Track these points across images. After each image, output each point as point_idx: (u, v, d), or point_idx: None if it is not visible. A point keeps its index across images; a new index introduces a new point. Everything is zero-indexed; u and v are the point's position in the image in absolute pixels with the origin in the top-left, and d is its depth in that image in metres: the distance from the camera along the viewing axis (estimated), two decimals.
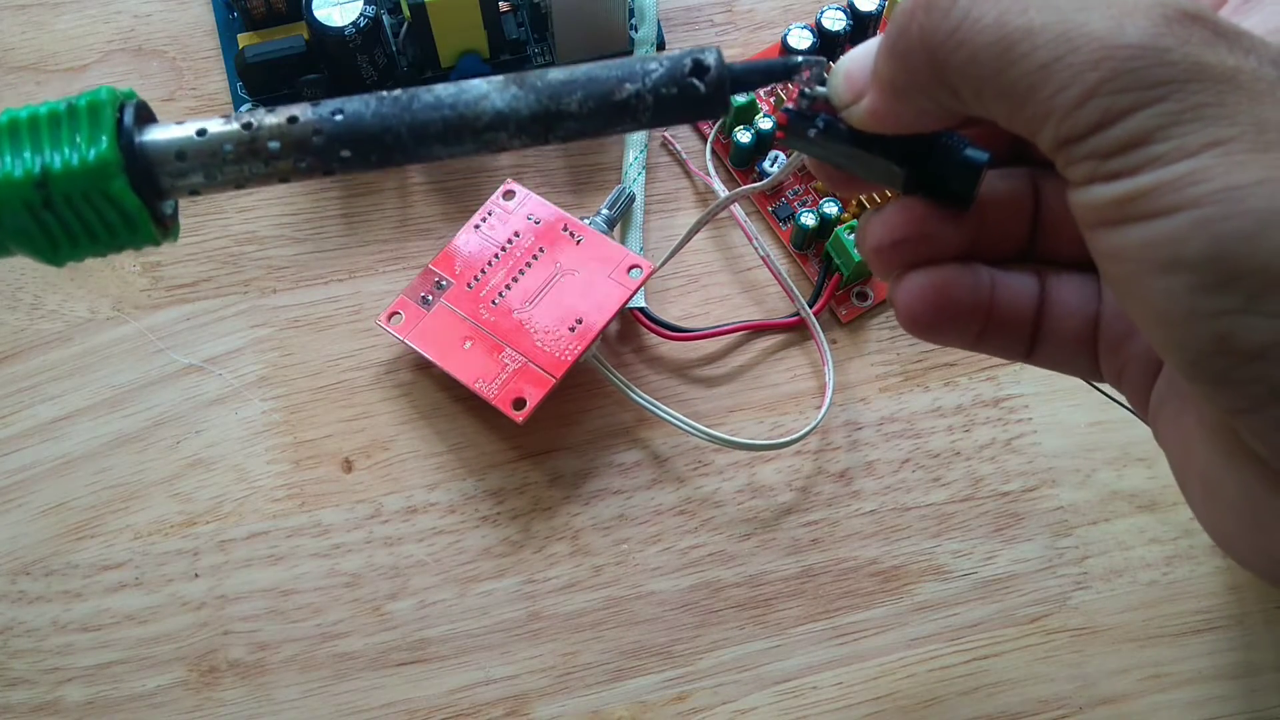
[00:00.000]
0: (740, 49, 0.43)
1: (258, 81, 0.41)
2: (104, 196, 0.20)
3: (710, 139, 0.41)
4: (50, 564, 0.36)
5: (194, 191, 0.21)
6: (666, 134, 0.41)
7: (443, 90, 0.21)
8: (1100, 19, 0.17)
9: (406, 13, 0.39)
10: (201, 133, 0.21)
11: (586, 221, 0.38)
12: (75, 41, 0.43)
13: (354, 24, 0.38)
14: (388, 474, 0.37)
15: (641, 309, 0.38)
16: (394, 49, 0.41)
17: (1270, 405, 0.17)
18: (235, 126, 0.21)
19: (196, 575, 0.36)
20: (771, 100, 0.41)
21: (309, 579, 0.36)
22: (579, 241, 0.38)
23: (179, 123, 0.21)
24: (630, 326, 0.39)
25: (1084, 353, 0.23)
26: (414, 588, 0.36)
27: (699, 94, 0.20)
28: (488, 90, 0.21)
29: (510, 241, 0.38)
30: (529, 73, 0.21)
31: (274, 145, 0.21)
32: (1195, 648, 0.36)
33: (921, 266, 0.22)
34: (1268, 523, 0.19)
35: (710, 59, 0.20)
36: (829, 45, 0.41)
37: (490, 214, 0.38)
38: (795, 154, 0.29)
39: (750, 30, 0.43)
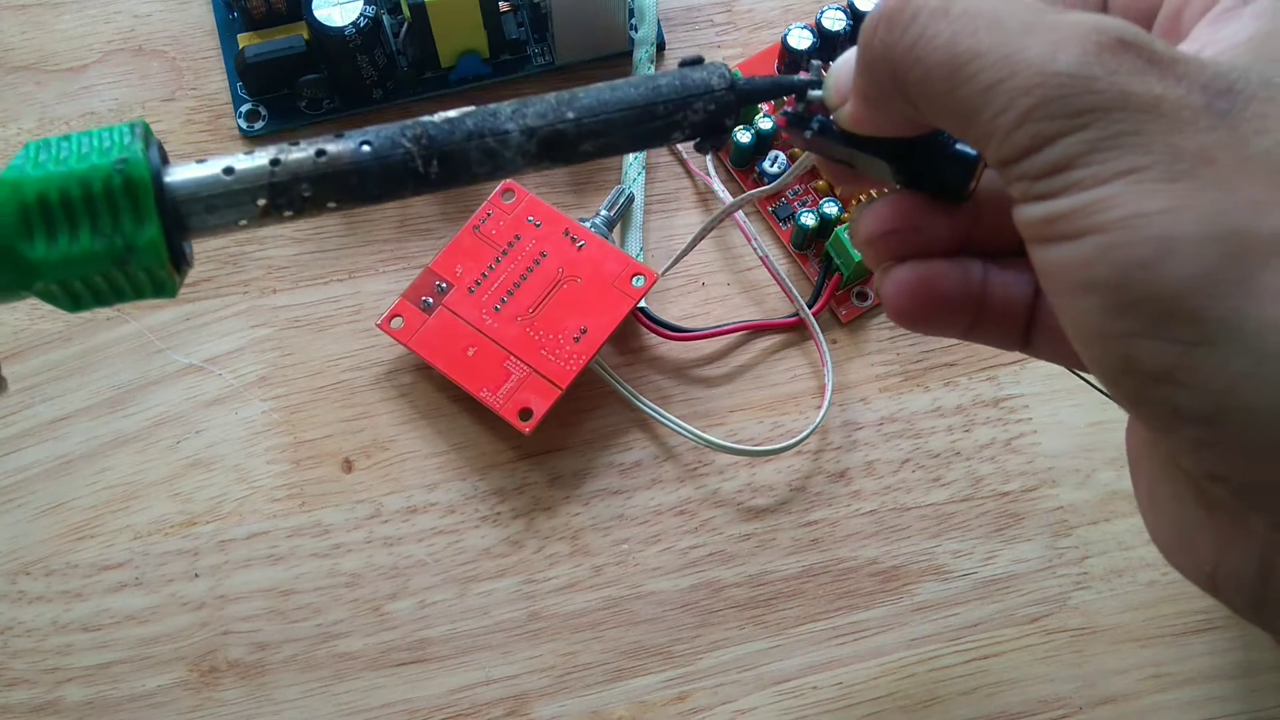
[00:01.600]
0: (740, 49, 0.43)
1: (258, 81, 0.41)
2: (146, 273, 0.20)
3: None
4: (50, 564, 0.36)
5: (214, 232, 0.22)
6: None
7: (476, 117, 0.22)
8: (1037, 45, 0.18)
9: (406, 13, 0.39)
10: (232, 182, 0.21)
11: (586, 223, 0.38)
12: (75, 41, 0.43)
13: (354, 24, 0.38)
14: (388, 474, 0.37)
15: (642, 309, 0.38)
16: (394, 49, 0.41)
17: (1177, 427, 0.18)
18: (263, 170, 0.21)
19: (196, 575, 0.36)
20: (771, 101, 0.41)
21: (309, 579, 0.36)
22: (580, 247, 0.38)
23: (200, 163, 0.21)
24: (631, 326, 0.39)
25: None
26: (414, 588, 0.36)
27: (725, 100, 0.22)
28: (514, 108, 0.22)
29: (511, 244, 0.38)
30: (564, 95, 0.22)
31: (305, 191, 0.21)
32: (1195, 648, 0.36)
33: (911, 259, 0.23)
34: (1193, 534, 0.20)
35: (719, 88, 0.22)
36: (829, 45, 0.41)
37: (489, 215, 0.38)
38: (800, 160, 0.30)
39: (750, 30, 0.43)
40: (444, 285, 0.38)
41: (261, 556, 0.36)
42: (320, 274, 0.40)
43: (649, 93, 0.22)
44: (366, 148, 0.21)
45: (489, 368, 0.36)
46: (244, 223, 0.21)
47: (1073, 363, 0.24)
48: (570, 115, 0.22)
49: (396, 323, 0.37)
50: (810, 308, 0.39)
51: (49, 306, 0.39)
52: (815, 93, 0.23)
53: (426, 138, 0.21)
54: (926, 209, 0.23)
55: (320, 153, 0.21)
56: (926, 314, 0.23)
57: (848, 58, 0.22)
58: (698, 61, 0.23)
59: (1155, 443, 0.20)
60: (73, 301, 0.21)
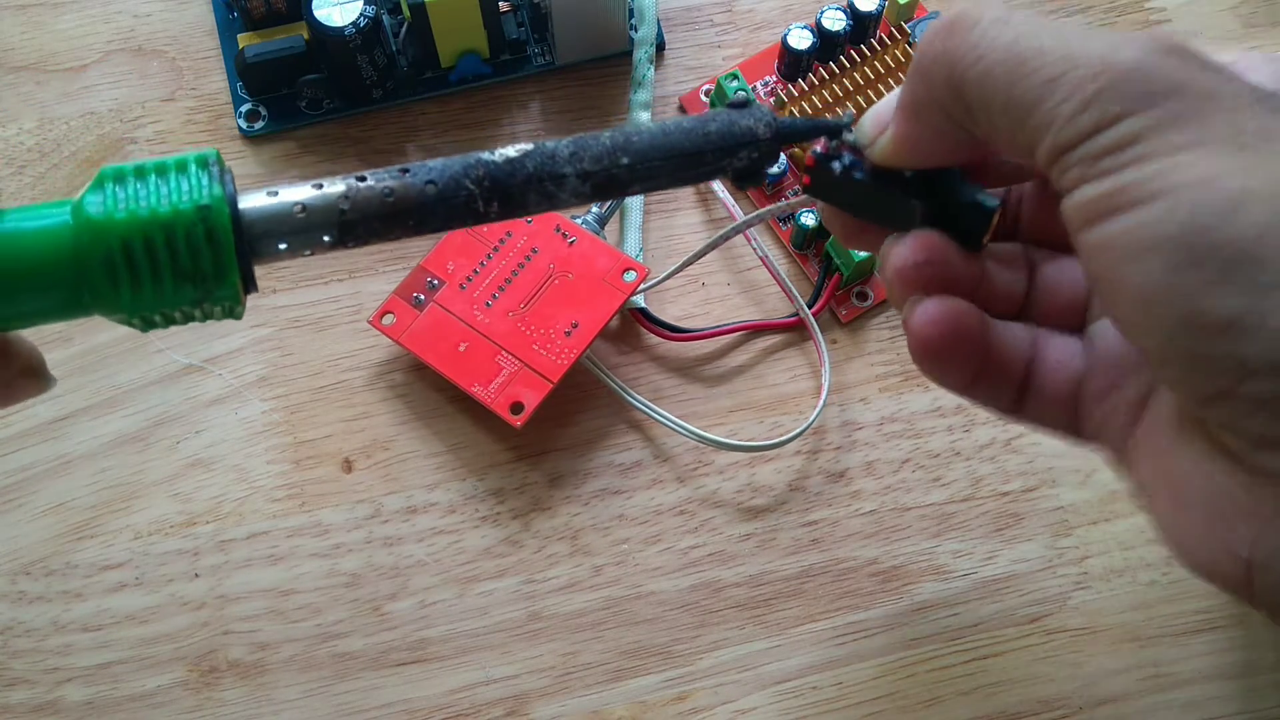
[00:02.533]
0: (740, 49, 0.43)
1: (258, 81, 0.41)
2: (221, 307, 0.22)
3: None
4: (50, 564, 0.36)
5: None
6: None
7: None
8: (1100, 43, 0.19)
9: (406, 13, 0.39)
10: (305, 219, 0.21)
11: (578, 220, 0.38)
12: (75, 41, 0.43)
13: (354, 24, 0.38)
14: (388, 474, 0.37)
15: (641, 309, 0.38)
16: (394, 49, 0.41)
17: (1239, 383, 0.18)
18: (335, 209, 0.22)
19: (196, 575, 0.36)
20: (771, 101, 0.41)
21: (309, 579, 0.36)
22: (572, 242, 0.38)
23: (271, 195, 0.22)
24: (630, 326, 0.39)
25: (1066, 408, 0.25)
26: (414, 588, 0.36)
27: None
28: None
29: (502, 241, 0.38)
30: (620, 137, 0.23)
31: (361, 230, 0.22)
32: (1195, 648, 0.36)
33: (937, 294, 0.24)
34: (1230, 515, 0.20)
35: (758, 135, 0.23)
36: (829, 45, 0.41)
37: None
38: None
39: (750, 30, 0.43)
40: (435, 282, 0.38)
41: (261, 556, 0.36)
42: (320, 274, 0.40)
43: (699, 140, 0.23)
44: (432, 188, 0.22)
45: (481, 363, 0.36)
46: (308, 253, 0.22)
47: (1054, 426, 0.25)
48: (624, 161, 0.23)
49: (388, 319, 0.37)
50: (810, 308, 0.39)
51: None
52: (848, 135, 0.24)
53: (489, 179, 0.22)
54: (952, 247, 0.24)
55: (389, 192, 0.22)
56: (952, 349, 0.24)
57: (886, 99, 0.23)
58: (745, 105, 0.24)
59: (1192, 431, 0.21)
60: (146, 326, 0.22)
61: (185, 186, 0.20)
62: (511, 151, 0.22)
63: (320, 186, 0.22)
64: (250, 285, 0.22)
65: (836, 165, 0.24)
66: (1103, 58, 0.19)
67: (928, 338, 0.24)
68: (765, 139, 0.23)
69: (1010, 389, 0.25)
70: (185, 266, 0.20)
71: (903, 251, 0.24)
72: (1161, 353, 0.19)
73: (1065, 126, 0.19)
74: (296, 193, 0.22)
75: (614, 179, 0.23)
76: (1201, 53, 0.19)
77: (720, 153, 0.23)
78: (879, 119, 0.23)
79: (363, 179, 0.22)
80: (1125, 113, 0.19)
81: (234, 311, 0.22)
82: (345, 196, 0.21)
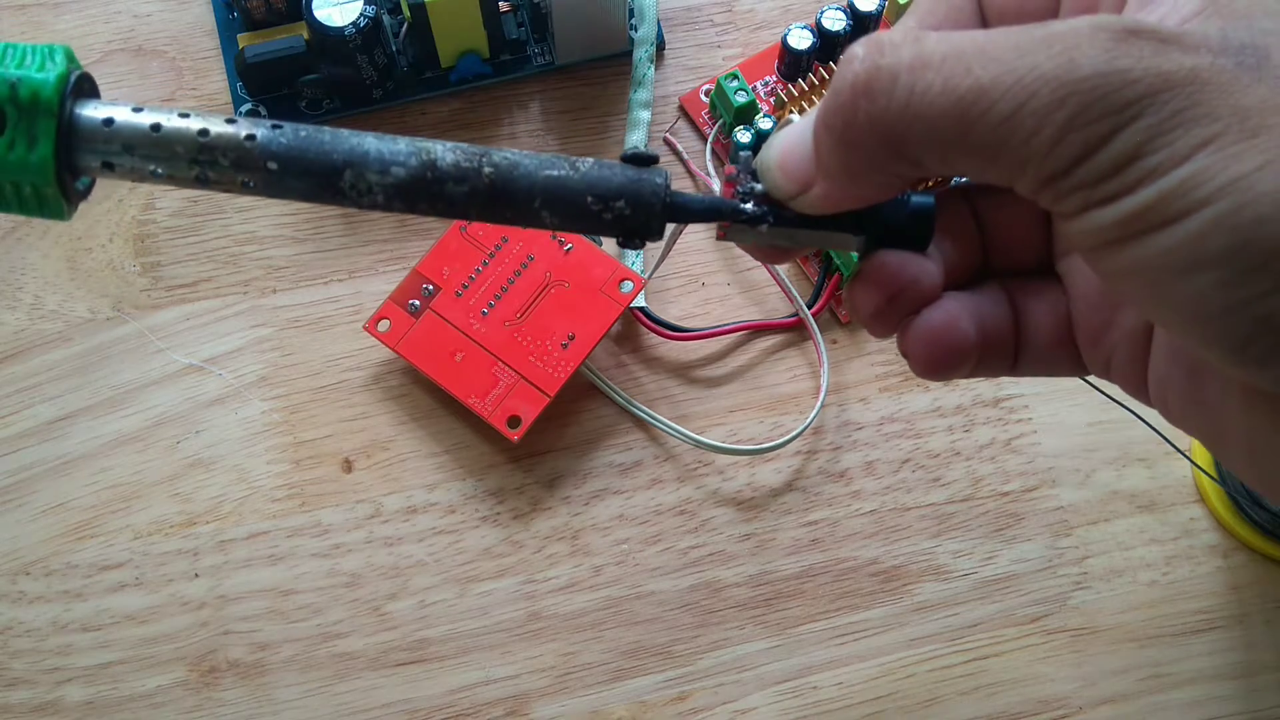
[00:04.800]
0: (740, 49, 0.43)
1: (258, 81, 0.41)
2: (34, 191, 0.21)
3: (710, 139, 0.41)
4: (50, 564, 0.36)
5: (110, 173, 0.21)
6: (668, 134, 0.41)
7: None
8: (1048, 59, 0.17)
9: (406, 13, 0.39)
10: (156, 128, 0.21)
11: None
12: (75, 41, 0.43)
13: (354, 24, 0.38)
14: (388, 474, 0.37)
15: (642, 309, 0.38)
16: (394, 49, 0.41)
17: None
18: (191, 129, 0.21)
19: (196, 575, 0.36)
20: (771, 101, 0.41)
21: (309, 579, 0.36)
22: (568, 250, 0.38)
23: (135, 110, 0.21)
24: (630, 326, 0.39)
25: (1064, 353, 0.24)
26: (414, 588, 0.36)
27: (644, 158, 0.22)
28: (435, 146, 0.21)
29: (498, 247, 0.38)
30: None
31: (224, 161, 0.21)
32: (1195, 648, 0.36)
33: (917, 312, 0.23)
34: None
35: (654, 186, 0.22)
36: (829, 45, 0.41)
37: None
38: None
39: (750, 30, 0.43)
40: (431, 288, 0.37)
41: (261, 556, 0.36)
42: (320, 274, 0.40)
43: (585, 177, 0.21)
44: (282, 144, 0.21)
45: (477, 374, 0.36)
46: (154, 172, 0.21)
47: (1060, 372, 0.24)
48: (487, 169, 0.21)
49: (383, 325, 0.37)
50: (810, 308, 0.39)
51: (49, 306, 0.39)
52: (757, 186, 0.22)
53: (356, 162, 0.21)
54: (908, 260, 0.23)
55: (250, 138, 0.21)
56: (951, 361, 0.23)
57: (786, 144, 0.21)
58: (654, 161, 0.22)
59: (1262, 397, 0.20)
60: None
61: (30, 60, 0.20)
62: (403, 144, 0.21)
63: (187, 115, 0.21)
64: (75, 179, 0.21)
65: (764, 227, 0.22)
66: (1059, 78, 0.17)
67: (930, 359, 0.23)
68: (656, 211, 0.21)
69: (1006, 354, 0.24)
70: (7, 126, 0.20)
71: (869, 296, 0.22)
72: (1232, 358, 0.18)
73: (1047, 160, 0.18)
74: (158, 115, 0.21)
75: (440, 184, 0.21)
76: (1156, 28, 0.17)
77: (598, 198, 0.21)
78: (793, 176, 0.21)
79: (233, 121, 0.21)
80: (1113, 130, 0.17)
81: (46, 200, 0.21)
82: (205, 130, 0.21)
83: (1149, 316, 0.19)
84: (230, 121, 0.21)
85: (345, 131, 0.21)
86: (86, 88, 0.21)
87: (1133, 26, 0.17)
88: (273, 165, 0.21)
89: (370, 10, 0.38)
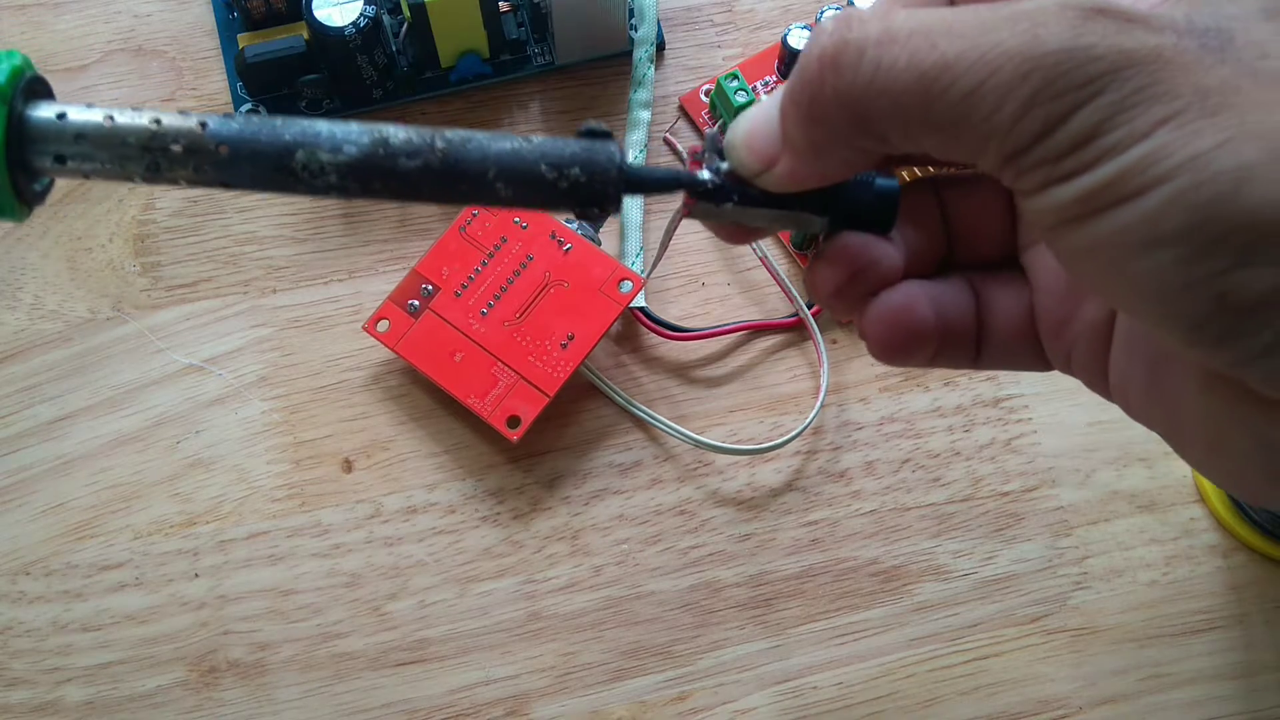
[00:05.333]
0: (740, 49, 0.43)
1: (258, 81, 0.41)
2: None
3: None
4: (50, 564, 0.36)
5: (63, 170, 0.21)
6: (668, 134, 0.41)
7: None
8: (1012, 36, 0.17)
9: (406, 13, 0.39)
10: (109, 118, 0.21)
11: (572, 225, 0.38)
12: (75, 41, 0.43)
13: (354, 24, 0.38)
14: (388, 474, 0.37)
15: (641, 309, 0.38)
16: (394, 49, 0.41)
17: (1277, 349, 0.17)
18: (143, 122, 0.21)
19: (196, 575, 0.36)
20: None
21: (309, 579, 0.36)
22: (567, 250, 0.38)
23: (87, 107, 0.21)
24: (630, 326, 0.39)
25: (1027, 346, 0.24)
26: (414, 588, 0.36)
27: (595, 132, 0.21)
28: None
29: (498, 247, 0.38)
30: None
31: (175, 149, 0.21)
32: (1195, 648, 0.36)
33: (876, 294, 0.23)
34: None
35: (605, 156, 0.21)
36: None
37: (475, 215, 0.38)
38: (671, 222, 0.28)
39: (750, 30, 0.43)
40: (430, 288, 0.37)
41: (261, 556, 0.36)
42: (320, 274, 0.40)
43: (538, 150, 0.21)
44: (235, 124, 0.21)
45: (476, 374, 0.36)
46: (104, 166, 0.21)
47: (1022, 365, 0.24)
48: (439, 145, 0.21)
49: (383, 325, 0.37)
50: (810, 308, 0.39)
51: (49, 306, 0.39)
52: (723, 164, 0.22)
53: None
54: (870, 242, 0.23)
55: (204, 124, 0.21)
56: (912, 339, 0.23)
57: (753, 121, 0.21)
58: (607, 136, 0.22)
59: (1219, 385, 0.20)
60: None
61: None
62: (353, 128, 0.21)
63: (139, 110, 0.21)
64: (28, 179, 0.21)
65: (729, 205, 0.22)
66: (1022, 53, 0.17)
67: (886, 341, 0.23)
68: (613, 177, 0.21)
69: (968, 345, 0.24)
70: None
71: (828, 277, 0.22)
72: (1189, 337, 0.18)
73: (1009, 135, 0.18)
74: (112, 109, 0.21)
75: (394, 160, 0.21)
76: (1121, 7, 0.17)
77: (552, 166, 0.21)
78: (758, 153, 0.21)
79: (186, 114, 0.21)
80: (1074, 106, 0.17)
81: (6, 207, 0.21)
82: (157, 120, 0.21)
83: (1108, 298, 0.19)
84: (184, 114, 0.21)
85: (299, 117, 0.21)
86: (40, 89, 0.21)
87: (1100, 5, 0.18)
88: (224, 150, 0.21)
89: (370, 10, 0.38)
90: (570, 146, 0.21)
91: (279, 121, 0.21)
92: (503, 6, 0.41)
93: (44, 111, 0.21)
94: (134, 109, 0.21)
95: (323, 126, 0.21)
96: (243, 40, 0.40)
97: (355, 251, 0.40)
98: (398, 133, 0.21)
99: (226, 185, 0.21)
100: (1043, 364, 0.24)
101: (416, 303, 0.37)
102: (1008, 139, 0.18)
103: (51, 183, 0.22)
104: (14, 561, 0.36)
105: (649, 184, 0.22)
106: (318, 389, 0.38)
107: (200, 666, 0.35)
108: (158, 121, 0.21)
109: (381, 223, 0.40)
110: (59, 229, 0.40)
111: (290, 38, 0.40)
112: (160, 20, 0.43)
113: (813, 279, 0.23)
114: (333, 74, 0.40)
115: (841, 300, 0.23)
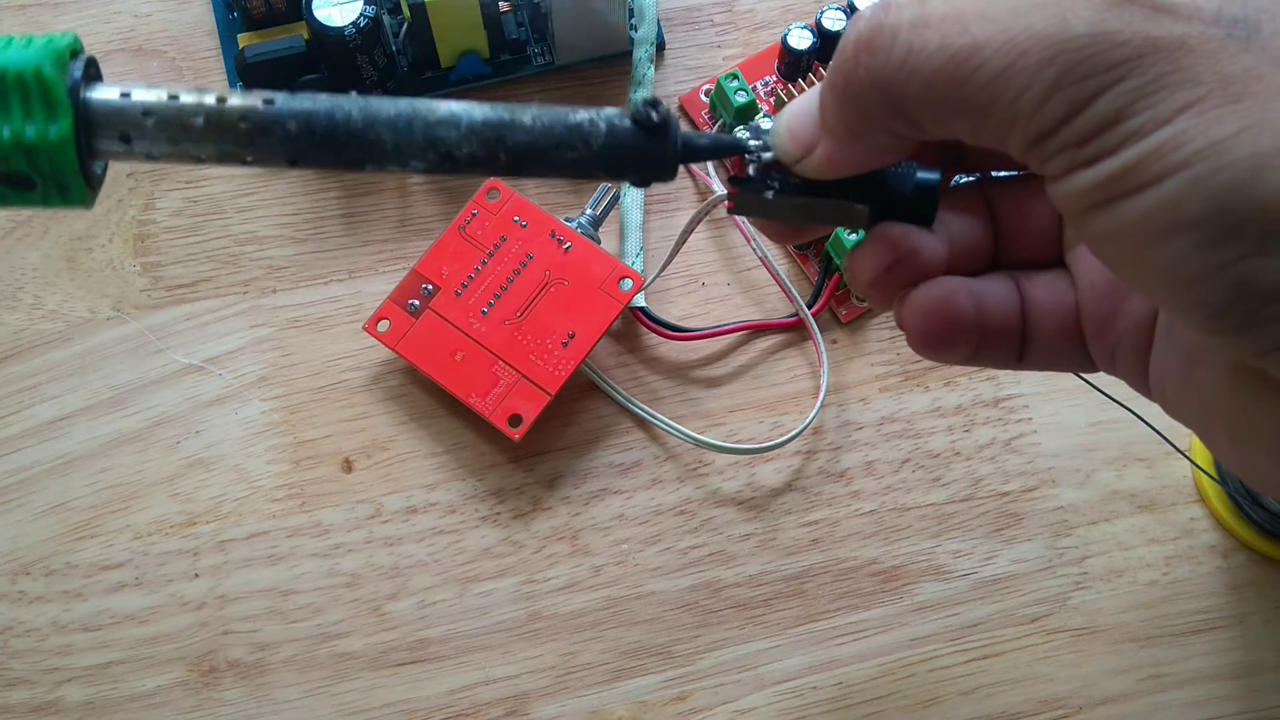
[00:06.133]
0: (740, 49, 0.43)
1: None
2: (53, 171, 0.20)
3: None
4: (50, 564, 0.36)
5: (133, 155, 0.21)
6: None
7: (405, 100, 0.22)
8: (1042, 20, 0.18)
9: (406, 13, 0.39)
10: (174, 96, 0.21)
11: (572, 223, 0.38)
12: None
13: (354, 24, 0.38)
14: (388, 474, 0.37)
15: (642, 309, 0.38)
16: (394, 49, 0.41)
17: None
18: (210, 101, 0.21)
19: (196, 575, 0.36)
20: (771, 101, 0.41)
21: (309, 579, 0.36)
22: (567, 249, 0.38)
23: (145, 87, 0.21)
24: (630, 326, 0.39)
25: (1071, 346, 0.24)
26: (414, 588, 0.36)
27: (651, 123, 0.21)
28: (448, 105, 0.21)
29: (497, 246, 0.38)
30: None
31: (244, 125, 0.21)
32: (1195, 648, 0.36)
33: (917, 284, 0.23)
34: None
35: (662, 113, 0.21)
36: (829, 45, 0.41)
37: (475, 215, 0.38)
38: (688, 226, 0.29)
39: (750, 30, 0.43)
40: (430, 288, 0.37)
41: (261, 556, 0.36)
42: (320, 274, 0.40)
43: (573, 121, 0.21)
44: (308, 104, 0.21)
45: (478, 373, 0.36)
46: (172, 149, 0.21)
47: (1067, 366, 0.24)
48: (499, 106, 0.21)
49: (383, 326, 0.37)
50: (810, 308, 0.39)
51: (49, 306, 0.39)
52: (766, 155, 0.22)
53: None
54: (912, 232, 0.23)
55: (268, 100, 0.21)
56: (952, 331, 0.23)
57: (796, 109, 0.22)
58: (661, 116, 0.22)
59: (1245, 374, 0.20)
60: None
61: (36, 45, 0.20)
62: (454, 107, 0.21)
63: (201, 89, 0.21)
64: (94, 161, 0.21)
65: (769, 193, 0.22)
66: (1050, 37, 0.17)
67: (925, 332, 0.23)
68: (644, 110, 0.21)
69: (1012, 344, 0.24)
70: (15, 110, 0.20)
71: (868, 263, 0.23)
72: (1209, 324, 0.18)
73: (1034, 118, 0.18)
74: (168, 88, 0.21)
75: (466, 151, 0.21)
76: None
77: (590, 112, 0.21)
78: (798, 138, 0.22)
79: (248, 90, 0.21)
80: (1098, 90, 0.17)
81: (68, 186, 0.21)
82: (222, 98, 0.21)
83: (1133, 285, 0.19)
84: (246, 92, 0.21)
85: (367, 104, 0.21)
86: (94, 72, 0.21)
87: None
88: (292, 126, 0.21)
89: (370, 10, 0.38)
90: (628, 148, 0.21)
91: (347, 105, 0.22)
92: (503, 6, 0.41)
93: (104, 93, 0.20)
94: (198, 88, 0.21)
95: (385, 134, 0.22)
96: (243, 40, 0.40)
97: (355, 251, 0.40)
98: (461, 147, 0.21)
99: (302, 165, 0.21)
100: (1088, 364, 0.24)
101: (417, 302, 0.37)
102: (1032, 122, 0.18)
103: (107, 165, 0.22)
104: (14, 561, 0.36)
105: (703, 152, 0.22)
106: (318, 389, 0.38)
107: (200, 666, 0.35)
108: (222, 99, 0.21)
109: (381, 223, 0.40)
110: (59, 229, 0.40)
111: (290, 38, 0.40)
112: (160, 20, 0.43)
113: (852, 266, 0.23)
114: (333, 74, 0.40)
115: (880, 289, 0.23)
